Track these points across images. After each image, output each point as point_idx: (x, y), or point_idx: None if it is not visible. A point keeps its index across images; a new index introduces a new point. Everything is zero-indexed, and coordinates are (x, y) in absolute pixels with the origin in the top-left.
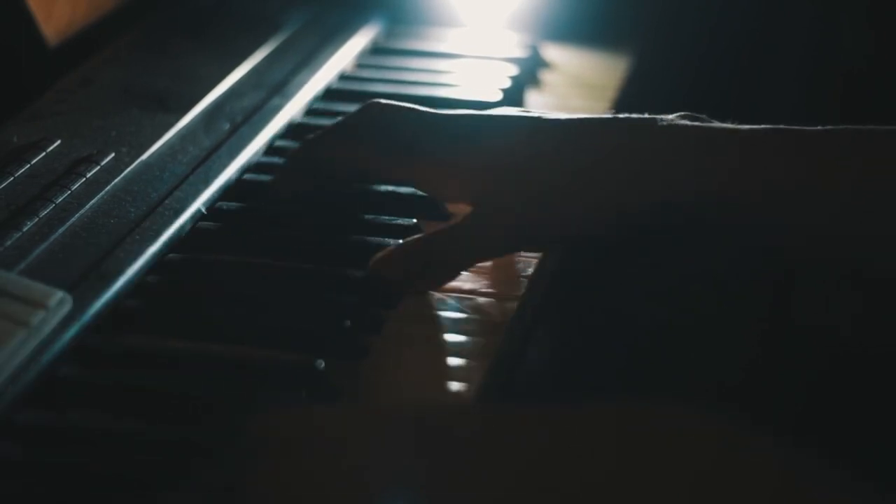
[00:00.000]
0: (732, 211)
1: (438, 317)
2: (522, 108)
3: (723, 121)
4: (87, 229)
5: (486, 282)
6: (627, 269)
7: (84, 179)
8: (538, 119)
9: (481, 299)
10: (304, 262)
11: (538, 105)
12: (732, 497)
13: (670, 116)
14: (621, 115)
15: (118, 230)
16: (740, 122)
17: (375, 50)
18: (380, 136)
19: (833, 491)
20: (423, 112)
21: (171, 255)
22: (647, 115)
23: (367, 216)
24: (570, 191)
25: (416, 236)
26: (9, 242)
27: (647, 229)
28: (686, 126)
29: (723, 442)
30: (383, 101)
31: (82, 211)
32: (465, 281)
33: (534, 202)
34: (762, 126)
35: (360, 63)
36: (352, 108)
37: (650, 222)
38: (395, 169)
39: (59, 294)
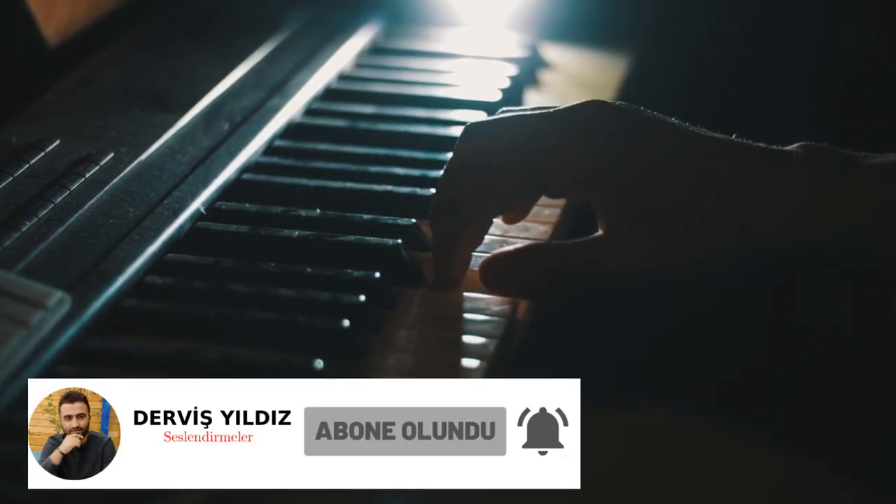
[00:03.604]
0: (866, 251)
1: (438, 317)
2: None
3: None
4: (86, 229)
5: None
6: None
7: (83, 179)
8: (675, 134)
9: (481, 298)
10: (304, 263)
11: (537, 105)
12: (731, 496)
13: (797, 148)
14: (753, 144)
15: (117, 230)
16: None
17: (375, 50)
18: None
19: (832, 490)
20: (531, 117)
21: (170, 255)
22: (779, 148)
23: (366, 216)
24: (707, 221)
25: (533, 244)
26: (8, 242)
27: (771, 265)
28: (822, 162)
29: (722, 441)
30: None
31: (81, 211)
32: (465, 281)
33: (669, 228)
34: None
35: (360, 63)
36: (351, 108)
37: (778, 259)
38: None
39: (58, 294)
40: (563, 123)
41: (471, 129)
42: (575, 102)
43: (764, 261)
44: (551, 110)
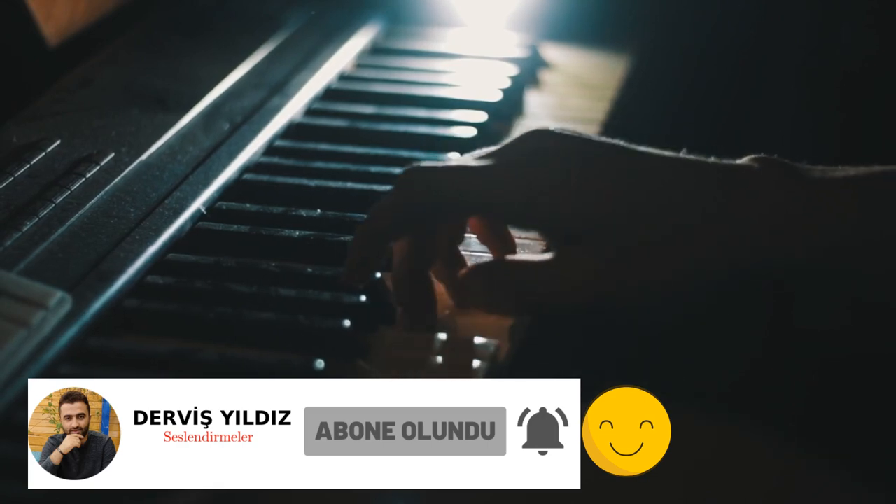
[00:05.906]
0: (844, 269)
1: (438, 316)
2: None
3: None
4: (87, 229)
5: None
6: None
7: (84, 179)
8: (640, 156)
9: None
10: (304, 262)
11: (538, 105)
12: (731, 486)
13: (751, 161)
14: (707, 160)
15: (118, 230)
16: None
17: (375, 50)
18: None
19: (831, 489)
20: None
21: (170, 255)
22: (737, 162)
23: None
24: (678, 240)
25: (498, 259)
26: (9, 242)
27: (746, 286)
28: (786, 182)
29: (722, 431)
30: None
31: (82, 211)
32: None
33: (640, 249)
34: (863, 170)
35: (360, 63)
36: (351, 108)
37: (751, 279)
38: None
39: (59, 294)
40: (509, 158)
41: (413, 173)
42: (519, 134)
43: (736, 278)
44: (494, 149)
